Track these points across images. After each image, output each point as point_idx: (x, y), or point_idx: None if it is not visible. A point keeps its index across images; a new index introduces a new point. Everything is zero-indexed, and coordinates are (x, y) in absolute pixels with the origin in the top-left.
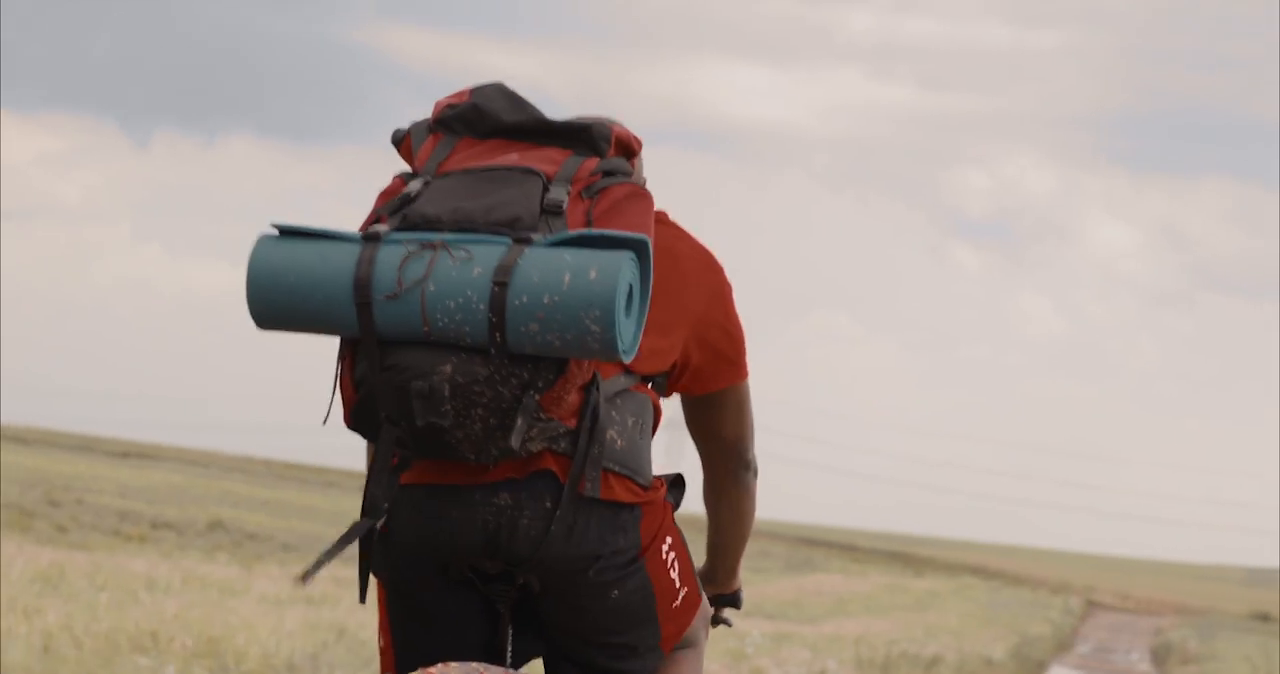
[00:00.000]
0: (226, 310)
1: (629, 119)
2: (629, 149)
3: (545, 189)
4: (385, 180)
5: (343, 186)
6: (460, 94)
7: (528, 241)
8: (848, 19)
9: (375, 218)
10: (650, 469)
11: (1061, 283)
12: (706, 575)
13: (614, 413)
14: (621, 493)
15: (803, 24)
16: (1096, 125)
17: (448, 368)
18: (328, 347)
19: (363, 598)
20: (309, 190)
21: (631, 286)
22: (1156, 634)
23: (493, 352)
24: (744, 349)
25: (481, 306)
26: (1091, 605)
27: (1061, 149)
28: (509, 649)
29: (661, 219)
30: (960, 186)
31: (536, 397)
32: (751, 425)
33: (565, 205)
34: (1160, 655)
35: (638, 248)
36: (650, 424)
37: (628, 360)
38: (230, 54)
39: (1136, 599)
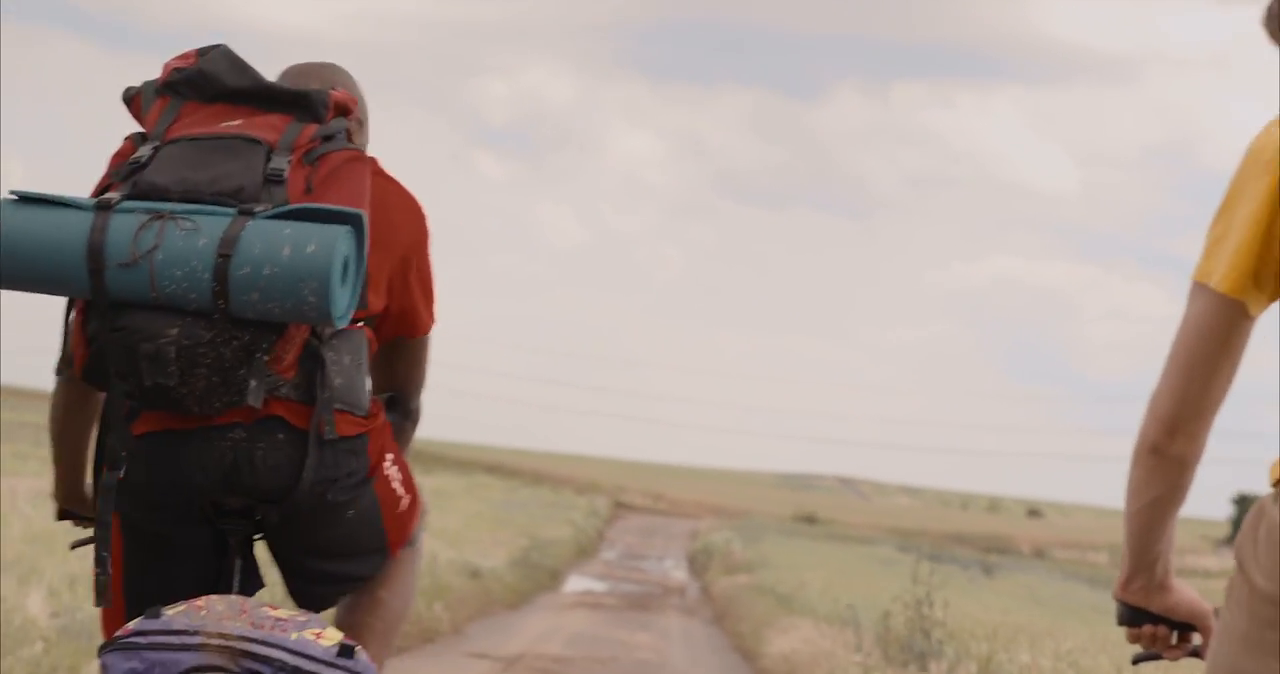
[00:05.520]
0: None
1: (157, 22)
2: (346, 110)
3: (268, 158)
4: None
5: None
6: (186, 56)
7: (250, 214)
8: None
9: (107, 183)
10: (367, 399)
11: (584, 192)
12: None
13: (330, 354)
14: (346, 427)
15: None
16: (616, 34)
17: (174, 331)
18: None
19: (105, 535)
20: None
21: (348, 258)
22: (694, 538)
23: (216, 317)
24: (434, 300)
25: (206, 276)
26: (620, 507)
27: (580, 58)
28: (236, 580)
29: (375, 169)
30: (481, 95)
31: (265, 358)
32: (424, 376)
33: (286, 174)
34: (700, 563)
35: (354, 222)
36: (366, 359)
37: (343, 325)
38: None
39: (671, 500)
